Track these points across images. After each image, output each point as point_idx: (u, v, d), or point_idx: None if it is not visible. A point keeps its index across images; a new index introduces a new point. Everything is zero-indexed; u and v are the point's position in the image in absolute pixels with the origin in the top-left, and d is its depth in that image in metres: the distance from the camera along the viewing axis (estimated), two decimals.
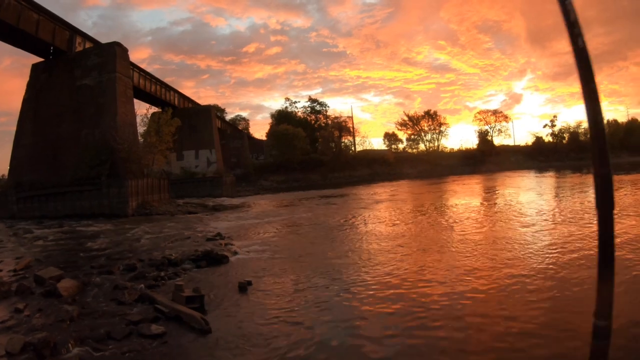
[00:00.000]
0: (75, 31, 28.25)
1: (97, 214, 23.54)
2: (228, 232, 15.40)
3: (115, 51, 28.16)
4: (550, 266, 7.71)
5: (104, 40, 29.84)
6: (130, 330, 5.63)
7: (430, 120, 74.11)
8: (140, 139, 32.07)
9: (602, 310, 1.44)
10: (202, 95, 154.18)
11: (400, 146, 76.73)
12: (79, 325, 5.89)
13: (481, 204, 20.79)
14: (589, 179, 31.20)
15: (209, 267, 9.68)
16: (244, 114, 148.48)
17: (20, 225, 20.32)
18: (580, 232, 10.75)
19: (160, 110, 38.63)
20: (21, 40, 25.27)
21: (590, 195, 20.36)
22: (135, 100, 32.92)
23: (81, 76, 27.46)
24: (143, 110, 42.57)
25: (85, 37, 29.19)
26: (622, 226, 11.06)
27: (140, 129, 34.37)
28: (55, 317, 6.11)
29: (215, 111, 56.27)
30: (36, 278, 8.26)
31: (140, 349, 5.18)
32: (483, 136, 74.15)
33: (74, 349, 5.12)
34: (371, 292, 6.87)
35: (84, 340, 5.32)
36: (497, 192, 27.46)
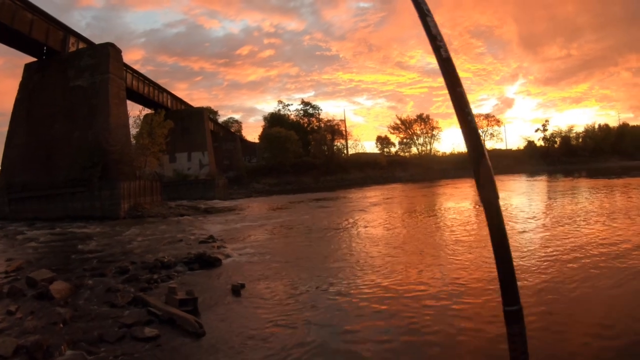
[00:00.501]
0: (68, 31, 28.17)
1: (89, 216, 23.43)
2: (221, 234, 15.39)
3: (109, 52, 28.12)
4: (544, 275, 7.75)
5: (97, 41, 29.93)
6: (124, 333, 5.62)
7: (422, 124, 74.57)
8: (133, 141, 31.95)
9: (508, 296, 1.55)
10: (195, 97, 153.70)
11: (393, 150, 77.08)
12: (71, 328, 5.87)
13: (474, 207, 20.88)
14: (580, 183, 31.48)
15: (202, 270, 9.67)
16: (237, 116, 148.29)
17: (12, 226, 20.22)
18: (573, 239, 10.79)
19: (153, 111, 38.47)
20: (15, 39, 25.18)
21: (581, 199, 20.51)
22: (128, 102, 32.86)
23: (74, 77, 27.37)
24: (136, 111, 42.37)
25: (79, 37, 29.11)
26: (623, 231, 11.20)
27: (133, 131, 34.24)
28: (47, 320, 6.09)
29: (208, 113, 56.24)
30: (28, 280, 8.21)
31: (134, 352, 5.17)
32: None
33: (66, 352, 5.10)
34: (364, 303, 6.76)
35: (77, 343, 5.30)
36: None
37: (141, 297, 7.15)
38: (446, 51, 1.51)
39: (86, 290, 8.03)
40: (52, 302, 7.03)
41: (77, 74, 27.40)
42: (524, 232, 12.17)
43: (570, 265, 8.21)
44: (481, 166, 1.57)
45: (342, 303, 6.71)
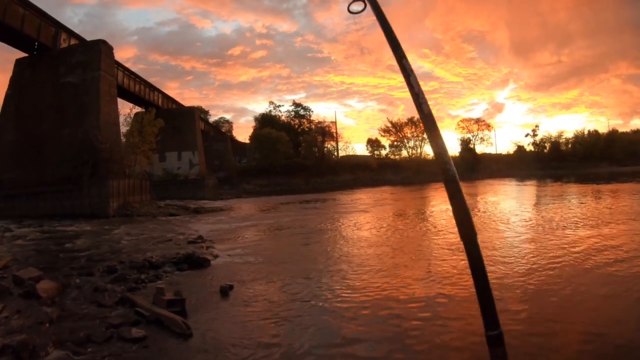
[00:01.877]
0: (60, 27, 27.98)
1: (78, 214, 23.22)
2: (210, 235, 15.36)
3: (101, 49, 27.93)
4: (535, 281, 7.81)
5: (89, 38, 29.54)
6: (111, 334, 5.61)
7: (413, 127, 74.49)
8: (123, 139, 31.80)
9: (489, 322, 1.74)
10: (186, 96, 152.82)
11: (383, 152, 77.09)
12: (58, 328, 5.85)
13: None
14: (569, 188, 31.79)
15: (191, 270, 9.66)
16: (228, 116, 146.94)
17: (0, 224, 19.98)
18: (561, 244, 10.87)
19: (144, 110, 38.35)
20: (6, 34, 24.92)
21: (570, 203, 20.70)
22: (119, 100, 32.66)
23: (65, 73, 27.15)
24: (126, 109, 42.23)
25: (71, 33, 28.91)
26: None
27: (123, 129, 34.16)
28: (34, 319, 6.05)
29: (198, 113, 56.05)
30: (15, 278, 8.13)
31: (121, 352, 5.17)
32: (465, 144, 75.07)
33: (53, 351, 5.08)
34: (353, 310, 6.67)
35: (64, 343, 5.29)
36: (479, 200, 27.71)
37: (129, 297, 7.13)
38: (428, 108, 1.83)
39: (73, 289, 7.98)
40: (39, 301, 6.99)
41: (68, 71, 27.18)
42: (512, 236, 12.28)
43: (560, 268, 8.30)
44: (457, 203, 1.97)
45: (331, 308, 6.69)
